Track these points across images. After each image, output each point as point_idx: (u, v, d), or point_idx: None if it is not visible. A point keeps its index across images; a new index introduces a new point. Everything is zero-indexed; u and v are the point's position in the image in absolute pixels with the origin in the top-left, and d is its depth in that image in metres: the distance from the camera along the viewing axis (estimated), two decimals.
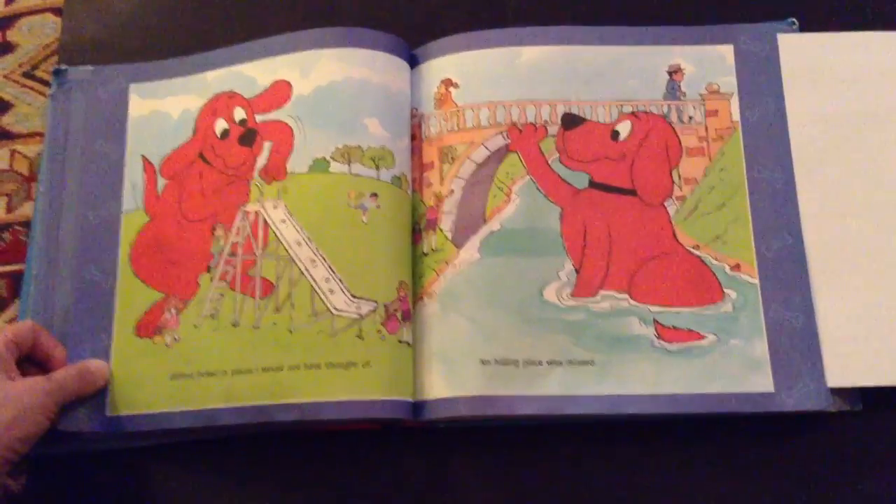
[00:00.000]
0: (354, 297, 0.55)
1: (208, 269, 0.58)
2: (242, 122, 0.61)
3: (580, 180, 0.59)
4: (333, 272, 0.56)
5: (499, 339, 0.55)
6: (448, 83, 0.61)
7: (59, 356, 0.56)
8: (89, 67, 0.65)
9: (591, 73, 0.61)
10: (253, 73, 0.62)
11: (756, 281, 0.56)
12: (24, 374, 0.55)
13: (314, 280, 0.56)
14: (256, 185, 0.59)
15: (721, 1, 0.64)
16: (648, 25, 0.62)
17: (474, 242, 0.57)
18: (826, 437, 0.54)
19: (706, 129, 0.60)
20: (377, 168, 0.58)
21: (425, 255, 0.58)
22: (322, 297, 0.56)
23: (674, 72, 0.61)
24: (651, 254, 0.57)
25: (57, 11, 0.71)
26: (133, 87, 0.64)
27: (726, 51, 0.61)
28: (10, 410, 0.49)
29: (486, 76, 0.60)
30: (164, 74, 0.64)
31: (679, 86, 0.61)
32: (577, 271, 0.57)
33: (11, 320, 0.62)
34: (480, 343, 0.55)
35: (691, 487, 0.54)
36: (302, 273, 0.56)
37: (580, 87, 0.60)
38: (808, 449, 0.54)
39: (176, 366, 0.56)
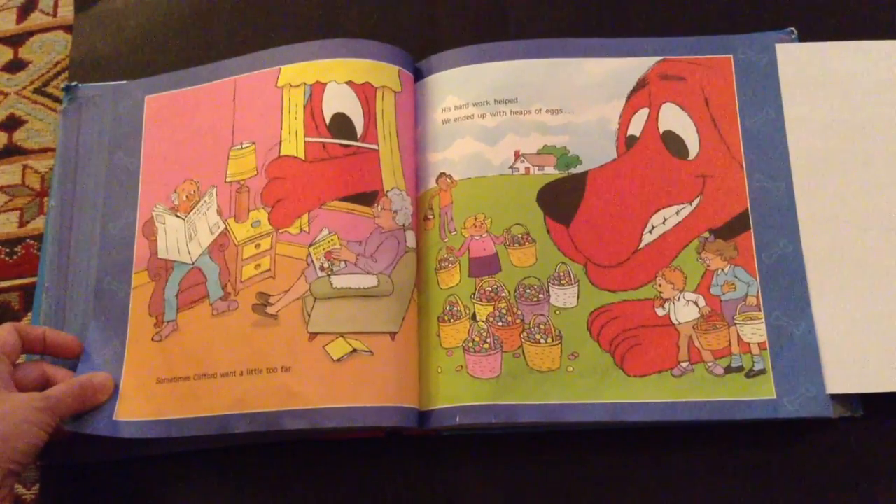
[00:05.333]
0: None
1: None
2: None
3: None
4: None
5: None
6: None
7: (68, 345, 0.57)
8: (101, 84, 0.66)
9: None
10: None
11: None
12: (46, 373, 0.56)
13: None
14: None
15: (720, 11, 0.65)
16: (648, 37, 0.62)
17: None
18: (827, 444, 0.54)
19: None
20: None
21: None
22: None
23: None
24: None
25: (68, 29, 0.72)
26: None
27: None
28: (2, 426, 0.49)
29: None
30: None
31: None
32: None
33: None
34: None
35: (694, 494, 0.54)
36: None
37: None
38: (809, 455, 0.54)
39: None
